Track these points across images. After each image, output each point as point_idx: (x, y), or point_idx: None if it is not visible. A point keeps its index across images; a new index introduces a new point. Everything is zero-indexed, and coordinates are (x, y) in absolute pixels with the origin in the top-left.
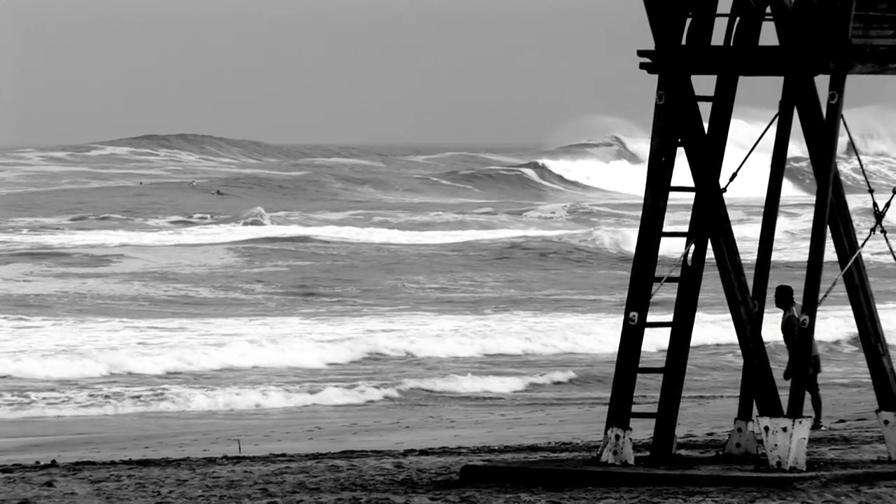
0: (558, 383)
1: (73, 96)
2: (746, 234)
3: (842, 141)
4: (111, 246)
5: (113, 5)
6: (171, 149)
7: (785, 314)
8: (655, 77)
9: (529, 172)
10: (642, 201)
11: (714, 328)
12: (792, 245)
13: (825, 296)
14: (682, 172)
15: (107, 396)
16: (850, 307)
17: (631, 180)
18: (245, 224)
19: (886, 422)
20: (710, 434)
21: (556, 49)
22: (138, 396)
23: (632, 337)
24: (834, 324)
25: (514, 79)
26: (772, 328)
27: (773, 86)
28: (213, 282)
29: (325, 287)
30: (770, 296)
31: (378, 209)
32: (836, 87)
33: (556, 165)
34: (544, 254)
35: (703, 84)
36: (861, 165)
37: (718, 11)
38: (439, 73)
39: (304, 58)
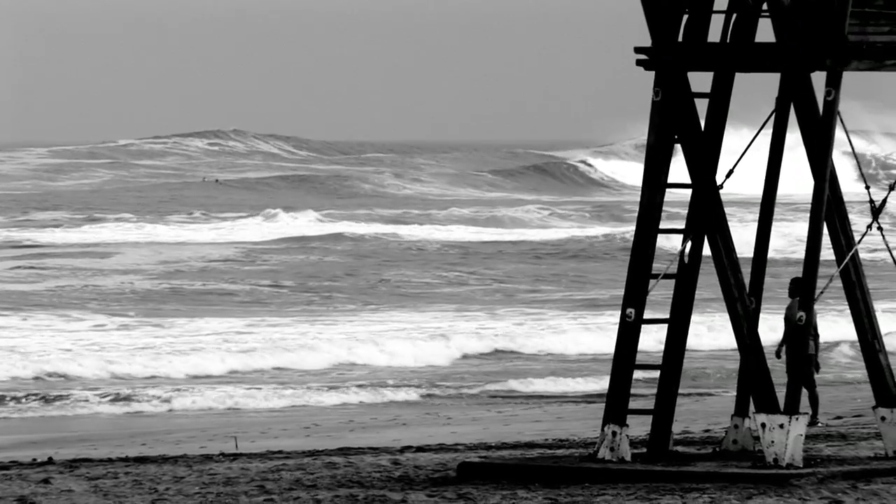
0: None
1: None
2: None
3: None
4: (114, 242)
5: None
6: (189, 139)
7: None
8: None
9: (580, 167)
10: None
11: (711, 324)
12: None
13: (822, 292)
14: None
15: (105, 394)
16: (847, 304)
17: (675, 177)
18: (266, 219)
19: (883, 418)
20: (707, 431)
21: (597, 47)
22: (135, 395)
23: (628, 334)
24: (830, 321)
25: (553, 78)
26: (767, 325)
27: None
28: (219, 277)
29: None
30: (766, 294)
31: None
32: (833, 84)
33: (602, 163)
34: (593, 248)
35: (700, 81)
36: (857, 162)
37: (715, 8)
38: (477, 72)
39: (349, 55)
